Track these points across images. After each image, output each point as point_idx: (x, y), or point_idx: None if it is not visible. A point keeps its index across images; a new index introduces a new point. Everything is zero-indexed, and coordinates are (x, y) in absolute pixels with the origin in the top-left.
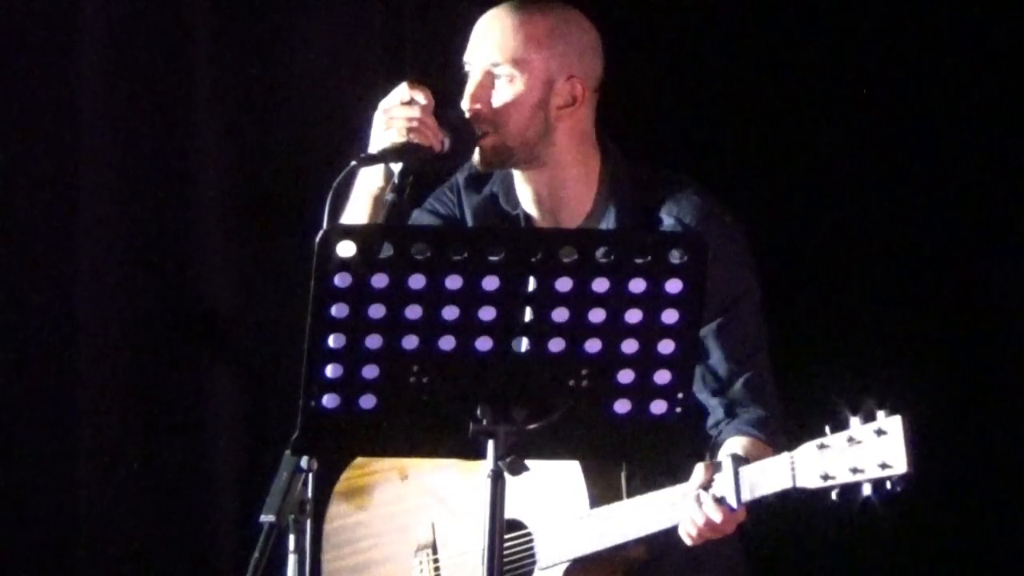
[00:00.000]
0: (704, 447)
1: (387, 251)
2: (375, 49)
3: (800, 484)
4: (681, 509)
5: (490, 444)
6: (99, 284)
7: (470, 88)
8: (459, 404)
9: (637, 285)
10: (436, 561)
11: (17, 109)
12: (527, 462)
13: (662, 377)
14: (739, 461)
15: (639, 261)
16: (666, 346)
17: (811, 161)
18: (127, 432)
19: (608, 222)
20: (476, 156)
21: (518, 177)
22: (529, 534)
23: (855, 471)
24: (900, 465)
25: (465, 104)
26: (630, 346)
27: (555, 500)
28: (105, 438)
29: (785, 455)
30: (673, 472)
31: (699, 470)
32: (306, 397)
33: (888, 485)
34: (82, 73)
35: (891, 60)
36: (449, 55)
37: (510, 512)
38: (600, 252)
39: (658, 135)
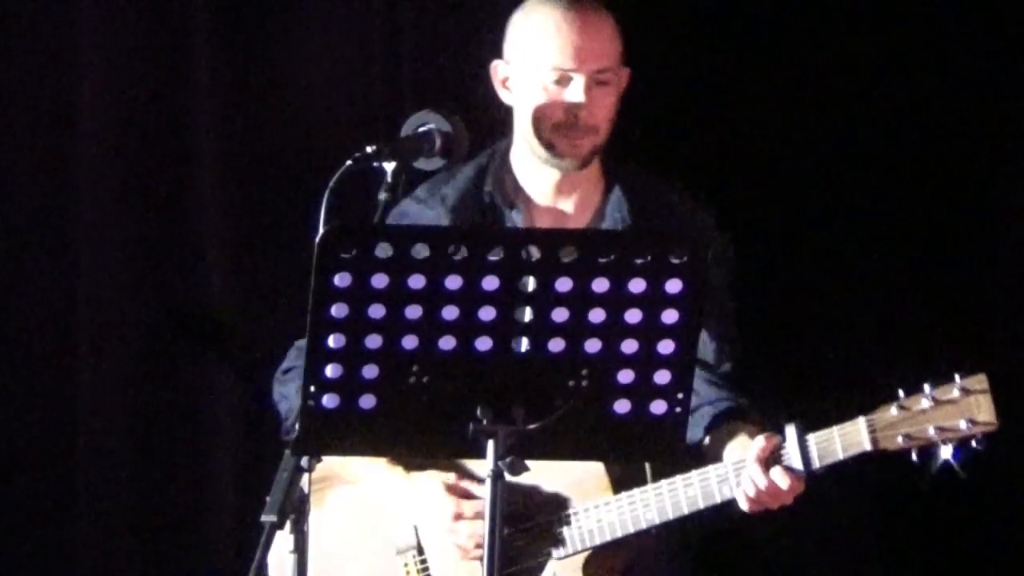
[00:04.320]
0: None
1: (387, 251)
2: (375, 49)
3: (882, 446)
4: (735, 481)
5: (490, 444)
6: (99, 284)
7: (584, 96)
8: (459, 404)
9: (637, 285)
10: (424, 562)
11: (17, 108)
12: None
13: (662, 377)
14: (803, 430)
15: (639, 261)
16: (666, 346)
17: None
18: (127, 432)
19: (614, 219)
20: (572, 156)
21: (546, 174)
22: (541, 524)
23: (941, 430)
24: (989, 419)
25: (583, 112)
26: (630, 346)
27: (572, 489)
28: (105, 438)
29: (860, 419)
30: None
31: (760, 440)
32: (306, 397)
33: (973, 443)
34: (82, 73)
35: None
36: (448, 55)
37: (521, 506)
38: (600, 252)
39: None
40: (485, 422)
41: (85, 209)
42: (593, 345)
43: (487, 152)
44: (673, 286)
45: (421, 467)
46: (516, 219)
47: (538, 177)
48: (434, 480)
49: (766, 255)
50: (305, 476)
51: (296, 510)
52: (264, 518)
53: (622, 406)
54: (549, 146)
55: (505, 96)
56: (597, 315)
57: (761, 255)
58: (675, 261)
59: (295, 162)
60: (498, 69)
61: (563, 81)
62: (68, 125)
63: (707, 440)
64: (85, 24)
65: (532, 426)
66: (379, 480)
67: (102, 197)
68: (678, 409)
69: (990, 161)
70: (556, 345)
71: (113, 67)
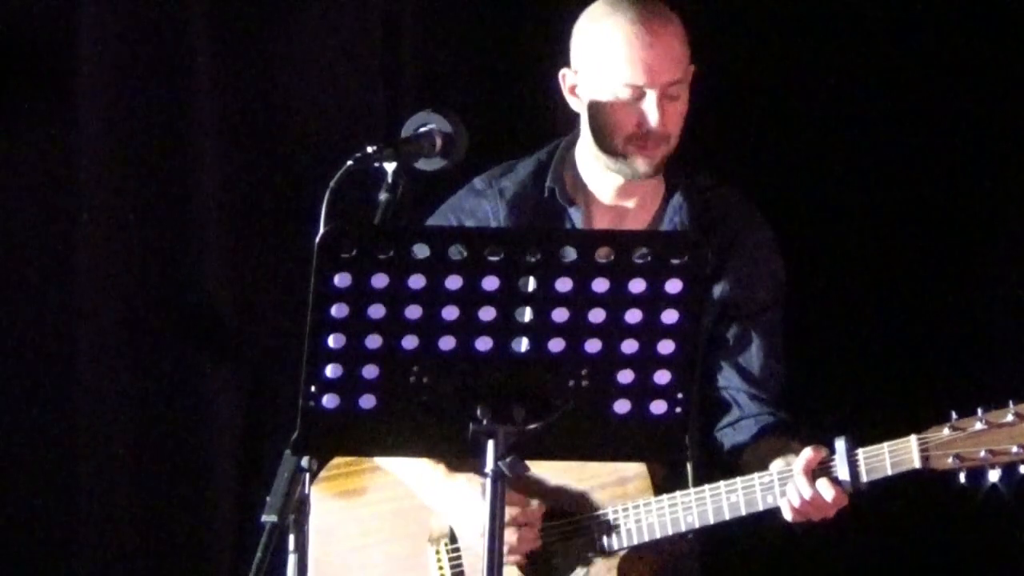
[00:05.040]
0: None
1: (387, 251)
2: (375, 49)
3: (933, 466)
4: (780, 490)
5: (490, 444)
6: (99, 284)
7: (657, 111)
8: (459, 404)
9: (637, 285)
10: (456, 550)
11: (17, 108)
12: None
13: (662, 377)
14: (852, 444)
15: (639, 261)
16: (666, 346)
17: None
18: (127, 432)
19: (673, 223)
20: (645, 166)
21: (611, 178)
22: (580, 522)
23: (992, 453)
24: None
25: (655, 126)
26: (630, 346)
27: (614, 488)
28: (105, 438)
29: (912, 437)
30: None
31: (807, 451)
32: (306, 397)
33: (1022, 469)
34: (82, 73)
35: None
36: (449, 55)
37: (560, 504)
38: (600, 252)
39: None
40: (485, 422)
41: (85, 209)
42: (593, 345)
43: (548, 147)
44: (673, 286)
45: (460, 467)
46: (576, 216)
47: (602, 179)
48: (474, 483)
49: (822, 274)
50: (306, 476)
51: (296, 510)
52: (264, 518)
53: (622, 406)
54: (621, 156)
55: (574, 103)
56: (597, 315)
57: (817, 273)
58: (675, 261)
59: (295, 162)
60: (566, 78)
61: (635, 96)
62: (68, 125)
63: (750, 452)
64: (85, 23)
65: (532, 426)
66: (416, 472)
67: (102, 197)
68: (678, 409)
69: None
70: (556, 345)
71: (113, 66)
